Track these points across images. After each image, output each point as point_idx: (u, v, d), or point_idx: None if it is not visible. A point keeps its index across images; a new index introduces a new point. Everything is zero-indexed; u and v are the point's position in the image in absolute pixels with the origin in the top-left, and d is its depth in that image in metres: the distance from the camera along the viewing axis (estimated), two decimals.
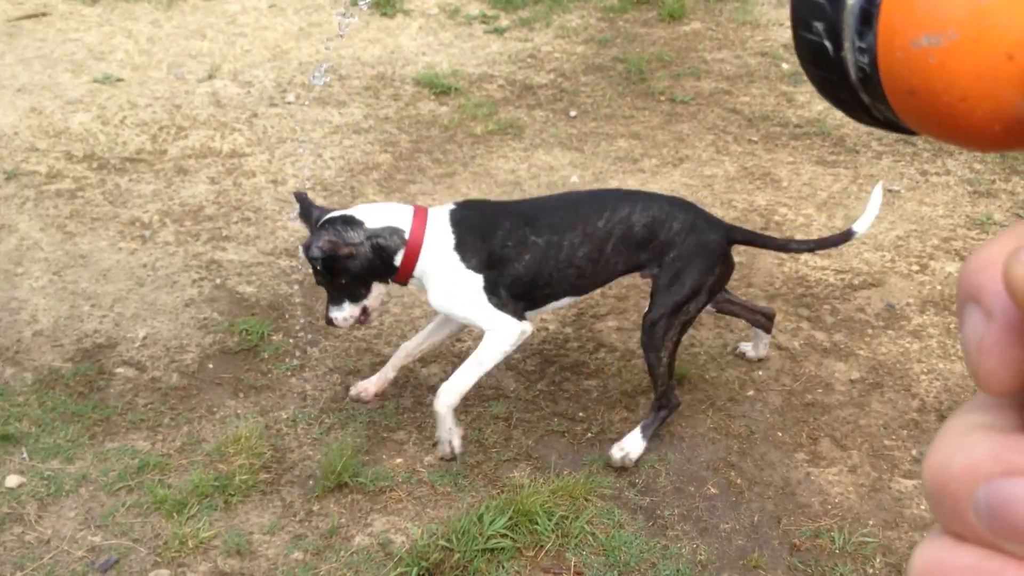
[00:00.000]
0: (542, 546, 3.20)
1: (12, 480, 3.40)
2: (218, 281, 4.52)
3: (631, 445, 3.57)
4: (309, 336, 4.18)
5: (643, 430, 3.59)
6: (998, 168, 5.50)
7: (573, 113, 6.09)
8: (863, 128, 5.91)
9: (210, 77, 6.44)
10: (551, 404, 3.87)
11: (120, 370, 3.96)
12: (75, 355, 4.03)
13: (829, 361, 4.12)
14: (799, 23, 0.49)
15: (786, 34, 6.80)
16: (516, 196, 5.18)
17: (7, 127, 5.73)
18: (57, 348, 4.06)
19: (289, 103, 6.16)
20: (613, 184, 5.33)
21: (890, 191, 5.30)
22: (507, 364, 4.05)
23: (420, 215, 3.37)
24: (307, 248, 3.23)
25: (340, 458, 3.40)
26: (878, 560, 3.23)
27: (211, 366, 4.01)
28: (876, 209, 3.73)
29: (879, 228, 4.98)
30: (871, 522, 3.39)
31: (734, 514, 3.40)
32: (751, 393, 3.94)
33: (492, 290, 3.34)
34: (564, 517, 3.29)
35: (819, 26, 0.48)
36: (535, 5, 7.70)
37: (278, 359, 4.04)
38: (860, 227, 3.72)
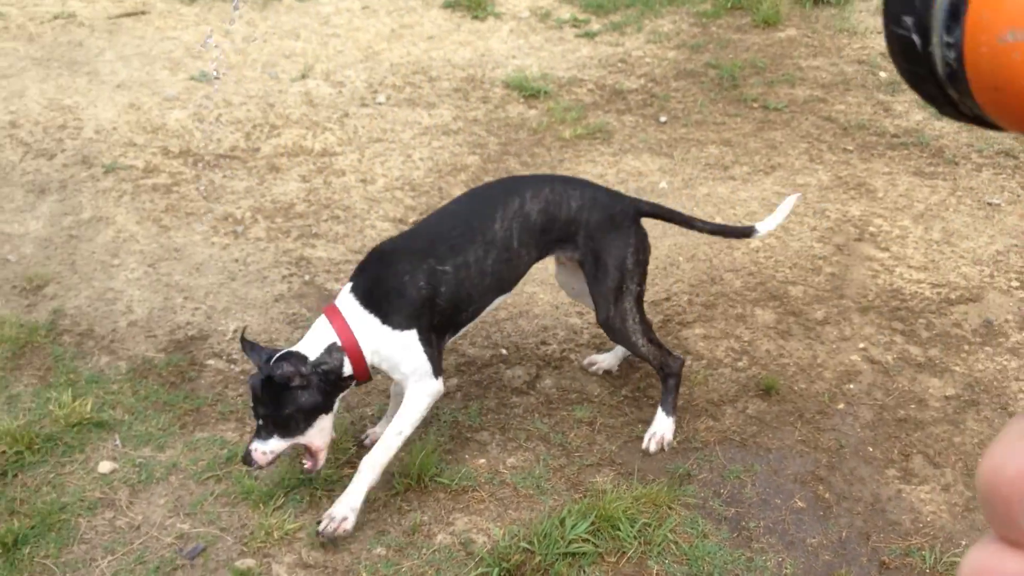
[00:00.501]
0: (624, 552, 3.17)
1: (105, 466, 3.48)
2: (307, 278, 4.57)
3: (661, 427, 3.61)
4: None
5: (664, 407, 3.63)
6: None
7: (663, 119, 6.04)
8: (963, 140, 5.76)
9: (303, 77, 6.54)
10: (636, 410, 3.83)
11: (211, 362, 4.03)
12: (168, 346, 4.11)
13: (923, 376, 4.01)
14: (890, 17, 0.49)
15: (884, 42, 6.67)
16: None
17: (106, 122, 5.88)
18: (151, 338, 4.16)
19: (380, 103, 6.22)
20: (703, 191, 5.27)
21: (990, 204, 5.15)
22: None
23: (334, 315, 3.20)
24: (262, 374, 3.07)
25: (423, 456, 3.41)
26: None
27: None
28: (783, 214, 3.70)
29: (978, 242, 4.84)
30: (964, 542, 3.28)
31: (821, 529, 3.33)
32: (841, 406, 3.85)
33: (426, 339, 3.22)
34: (647, 524, 3.25)
35: (908, 20, 0.48)
36: (627, 9, 7.66)
37: None
38: (763, 227, 3.68)
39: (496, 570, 3.03)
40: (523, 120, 6.03)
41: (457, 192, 5.20)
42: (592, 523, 3.20)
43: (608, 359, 4.00)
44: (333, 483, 3.41)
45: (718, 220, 5.00)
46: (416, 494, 3.40)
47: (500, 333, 4.24)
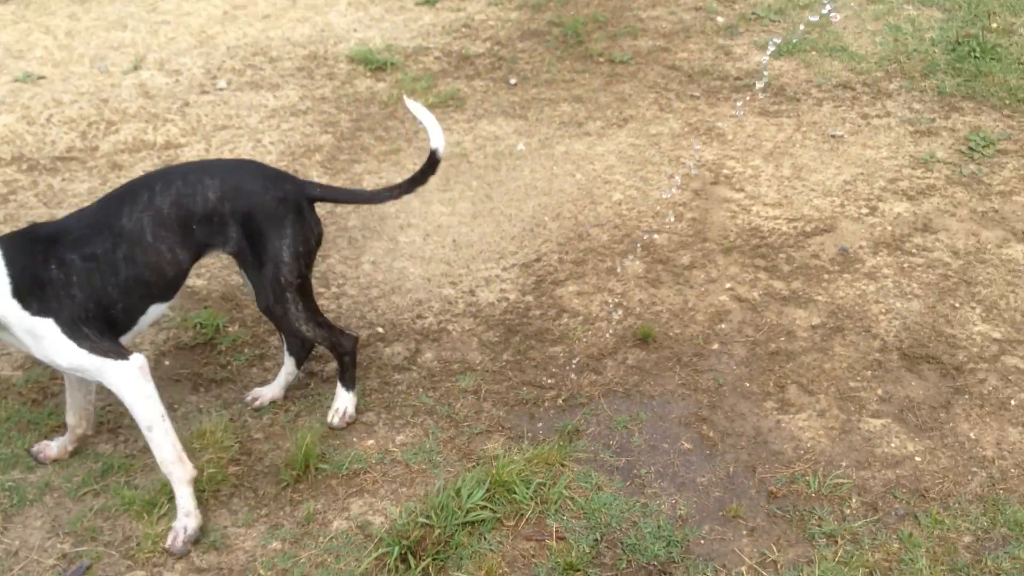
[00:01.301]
0: (522, 515, 3.18)
1: None
2: None
3: (343, 402, 3.60)
4: (265, 325, 4.10)
5: (343, 383, 3.59)
6: (937, 107, 5.55)
7: (513, 81, 6.03)
8: (802, 76, 5.94)
9: (135, 68, 6.26)
10: (519, 373, 3.84)
11: None
12: (24, 362, 3.90)
13: (789, 309, 4.13)
14: None
15: None
16: (463, 168, 5.14)
17: None
18: (5, 356, 3.93)
19: (221, 89, 6.02)
20: (560, 149, 5.30)
21: (833, 137, 5.33)
22: (472, 337, 4.01)
23: None
24: None
25: (307, 445, 3.34)
26: (854, 500, 3.25)
27: (167, 363, 3.91)
28: (428, 120, 3.56)
29: (826, 174, 5.01)
30: (844, 463, 3.41)
31: (709, 467, 3.40)
32: (716, 347, 3.94)
33: (73, 332, 2.96)
34: (542, 484, 3.27)
35: None
36: None
37: (236, 350, 3.96)
38: (437, 144, 3.54)
39: (396, 548, 2.99)
40: (373, 94, 5.93)
41: (315, 174, 5.10)
42: (488, 490, 3.19)
43: (272, 390, 3.72)
44: (218, 483, 3.30)
45: (578, 176, 5.04)
46: (306, 484, 3.33)
47: (374, 312, 4.17)
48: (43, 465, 3.40)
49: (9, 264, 2.91)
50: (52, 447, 3.43)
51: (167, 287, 3.23)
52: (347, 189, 3.57)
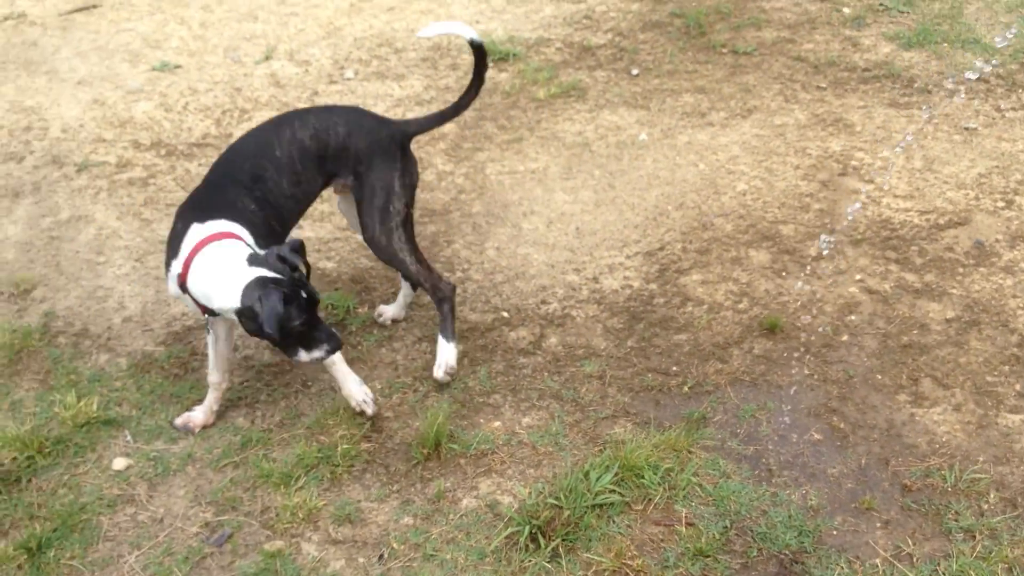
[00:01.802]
0: (650, 499, 3.19)
1: (119, 463, 3.44)
2: (311, 258, 4.52)
3: (444, 354, 3.72)
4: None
5: (443, 334, 3.73)
6: None
7: (635, 71, 6.01)
8: (933, 68, 5.79)
9: (267, 58, 6.44)
10: (643, 360, 3.84)
11: None
12: (166, 338, 4.06)
13: (922, 302, 4.04)
14: None
15: None
16: (585, 157, 5.16)
17: (72, 120, 5.77)
18: (148, 332, 4.10)
19: (348, 79, 6.15)
20: (683, 139, 5.27)
21: (967, 129, 5.19)
22: (596, 323, 4.03)
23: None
24: None
25: (438, 425, 3.40)
26: (992, 495, 3.17)
27: None
28: (449, 27, 3.86)
29: (960, 167, 4.88)
30: (981, 458, 3.33)
31: (840, 458, 3.36)
32: (845, 338, 3.88)
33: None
34: (670, 470, 3.27)
35: None
36: None
37: (366, 331, 4.05)
38: (469, 33, 3.76)
39: (527, 527, 3.03)
40: (495, 84, 5.98)
41: (439, 161, 5.18)
42: (616, 474, 3.21)
43: (394, 309, 4.09)
44: (352, 458, 3.39)
45: (701, 166, 5.01)
46: (436, 463, 3.39)
47: (499, 296, 4.22)
48: (191, 435, 3.53)
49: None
50: (197, 415, 3.57)
51: (301, 214, 3.70)
52: (435, 114, 3.94)
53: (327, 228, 4.74)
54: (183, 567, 3.04)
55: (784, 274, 4.26)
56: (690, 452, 3.37)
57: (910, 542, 3.03)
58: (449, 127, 5.53)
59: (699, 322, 4.02)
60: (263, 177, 3.45)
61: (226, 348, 3.56)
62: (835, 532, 3.08)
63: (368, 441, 3.49)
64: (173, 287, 3.32)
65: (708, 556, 2.99)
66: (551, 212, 4.74)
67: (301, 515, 3.19)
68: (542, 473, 3.33)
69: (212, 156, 5.37)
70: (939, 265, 4.23)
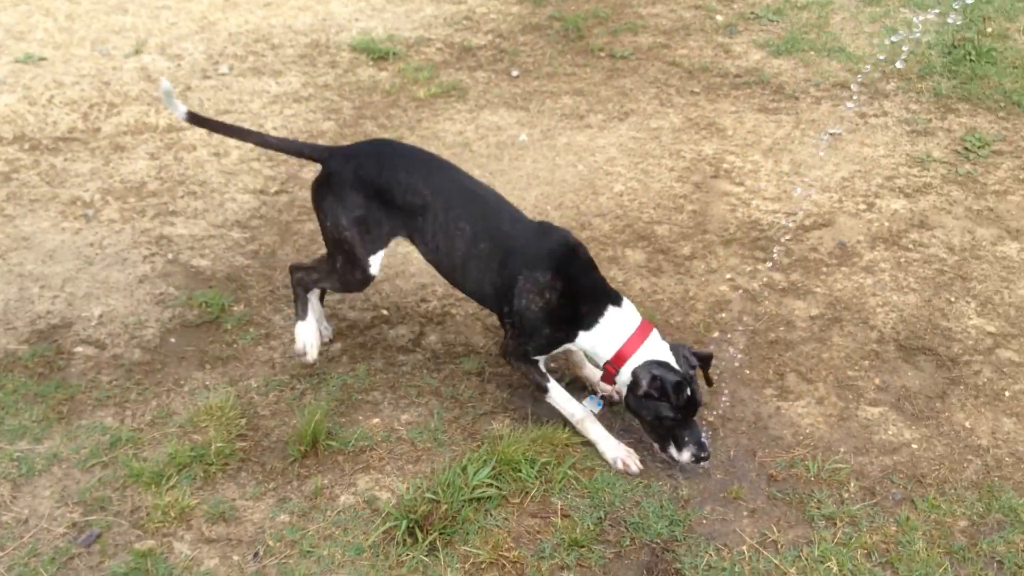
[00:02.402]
0: (527, 492, 3.22)
1: None
2: (170, 256, 4.42)
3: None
4: (271, 305, 4.13)
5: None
6: (933, 108, 5.63)
7: (515, 73, 6.07)
8: (800, 76, 6.01)
9: (137, 52, 6.27)
10: None
11: (79, 349, 3.86)
12: (30, 337, 3.92)
13: (788, 300, 4.19)
14: None
15: None
16: (466, 157, 5.18)
17: None
18: (11, 331, 3.95)
19: (223, 74, 6.04)
20: (562, 141, 5.34)
21: (832, 134, 5.40)
22: (476, 321, 4.06)
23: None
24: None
25: (315, 422, 3.37)
26: (852, 484, 3.31)
27: (173, 340, 3.93)
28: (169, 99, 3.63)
29: (825, 171, 5.07)
30: (842, 449, 3.47)
31: (710, 450, 3.45)
32: (716, 335, 3.99)
33: None
34: (547, 464, 3.31)
35: None
36: None
37: (242, 329, 3.99)
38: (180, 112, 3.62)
39: (404, 522, 3.03)
40: (375, 83, 5.96)
41: None
42: (493, 468, 3.24)
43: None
44: (226, 457, 3.33)
45: (580, 167, 5.09)
46: (313, 460, 3.36)
47: (379, 295, 4.21)
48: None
49: None
50: (621, 448, 3.45)
51: None
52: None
53: (200, 225, 4.64)
54: (50, 568, 2.94)
55: (659, 273, 4.36)
56: (567, 446, 3.42)
57: (775, 529, 3.14)
58: (328, 126, 5.49)
59: None
60: None
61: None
62: (704, 521, 3.17)
63: (243, 439, 3.44)
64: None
65: (583, 546, 3.04)
66: None
67: (173, 514, 3.12)
68: (420, 469, 3.34)
69: (79, 151, 5.21)
70: (804, 265, 4.40)
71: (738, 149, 5.26)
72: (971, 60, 6.02)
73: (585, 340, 3.30)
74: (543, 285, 3.25)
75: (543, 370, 3.44)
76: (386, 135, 5.38)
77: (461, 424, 3.55)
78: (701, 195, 4.88)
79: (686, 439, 3.23)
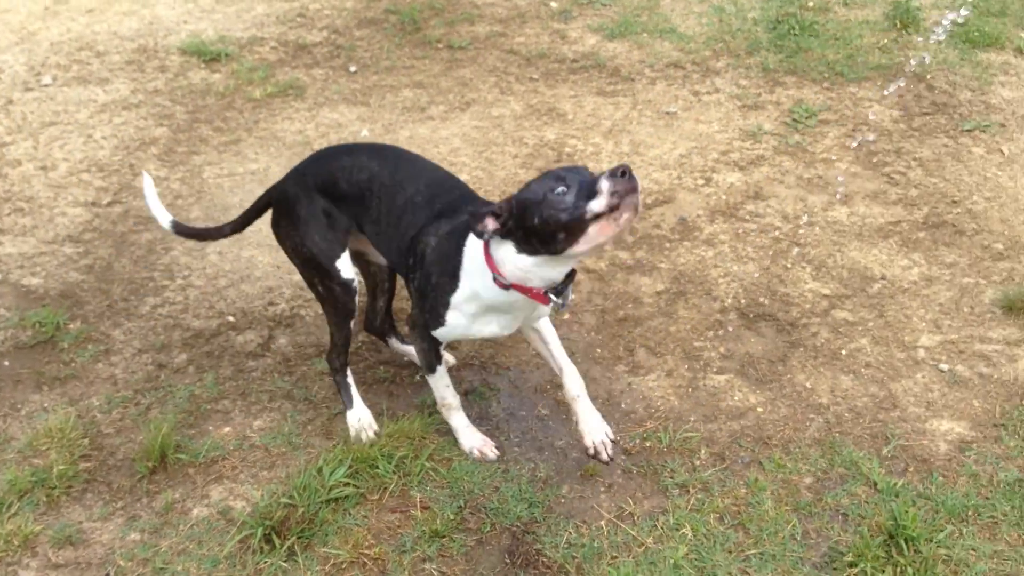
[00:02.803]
0: (386, 488, 3.20)
1: None
2: (0, 276, 4.22)
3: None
4: (109, 320, 3.98)
5: None
6: (762, 82, 5.82)
7: (353, 68, 6.01)
8: (635, 57, 6.13)
9: None
10: (375, 353, 3.85)
11: None
12: None
13: (635, 277, 4.28)
14: None
15: None
16: (306, 155, 5.08)
17: None
18: None
19: (46, 85, 5.79)
20: (405, 134, 5.31)
21: (668, 113, 5.53)
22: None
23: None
24: None
25: (163, 436, 3.27)
26: (703, 451, 3.40)
27: (7, 363, 3.75)
28: (152, 200, 3.55)
29: (663, 149, 5.19)
30: (692, 418, 3.56)
31: (566, 430, 3.49)
32: (567, 316, 4.04)
33: None
34: (404, 457, 3.30)
35: None
36: None
37: (79, 347, 3.83)
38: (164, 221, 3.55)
39: (259, 529, 2.97)
40: (208, 85, 5.81)
41: (152, 167, 4.97)
42: (350, 467, 3.21)
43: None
44: (70, 479, 3.20)
45: None
46: (163, 475, 3.26)
47: (224, 301, 4.11)
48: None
49: None
50: (478, 438, 3.39)
51: None
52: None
53: (30, 243, 4.44)
54: None
55: None
56: (424, 438, 3.40)
57: (631, 502, 3.20)
58: (160, 132, 5.33)
59: None
60: None
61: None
62: (563, 500, 3.21)
63: (87, 460, 3.31)
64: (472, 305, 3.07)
65: (444, 536, 3.04)
66: None
67: (16, 542, 2.98)
68: (275, 474, 3.28)
69: None
70: (649, 242, 4.49)
71: (579, 132, 5.33)
72: (795, 34, 6.25)
73: None
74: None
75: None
76: (223, 138, 5.25)
77: (316, 425, 3.49)
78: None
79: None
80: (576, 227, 2.65)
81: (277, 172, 4.94)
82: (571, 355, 3.79)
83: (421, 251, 3.08)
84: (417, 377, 3.70)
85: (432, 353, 3.24)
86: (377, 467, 3.24)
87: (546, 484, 3.27)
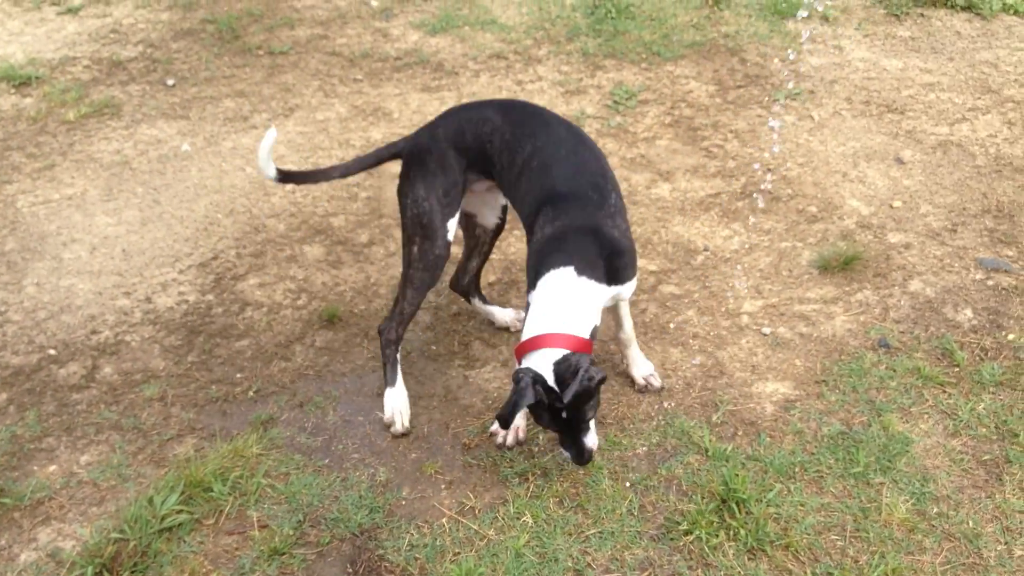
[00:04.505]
0: (221, 511, 3.15)
1: None
2: None
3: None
4: None
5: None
6: (583, 67, 5.92)
7: (171, 82, 5.86)
8: (458, 51, 6.15)
9: None
10: (207, 373, 3.77)
11: None
12: None
13: None
14: None
15: None
16: (126, 176, 4.95)
17: None
18: None
19: None
20: (228, 145, 5.21)
21: None
22: (153, 344, 3.90)
23: None
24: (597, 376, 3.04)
25: None
26: (540, 438, 3.45)
27: None
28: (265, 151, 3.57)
29: None
30: None
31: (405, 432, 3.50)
32: None
33: None
34: (239, 477, 3.24)
35: None
36: None
37: None
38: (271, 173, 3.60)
39: (89, 568, 2.88)
40: (19, 111, 5.58)
41: None
42: (183, 492, 3.14)
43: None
44: None
45: (248, 170, 4.99)
46: None
47: (43, 334, 3.96)
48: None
49: None
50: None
51: None
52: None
53: None
54: None
55: (339, 264, 4.35)
56: (260, 456, 3.36)
57: (472, 496, 3.23)
58: None
59: (259, 325, 4.01)
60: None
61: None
62: (404, 502, 3.21)
63: None
64: None
65: (283, 554, 3.00)
66: (94, 238, 4.51)
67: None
68: (105, 509, 3.18)
69: None
70: None
71: (405, 131, 5.32)
72: (612, 18, 6.38)
73: None
74: None
75: None
76: (36, 164, 5.05)
77: (147, 454, 3.41)
78: (374, 181, 4.91)
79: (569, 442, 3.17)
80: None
81: (96, 194, 4.79)
82: (407, 354, 3.81)
83: (531, 228, 3.27)
84: (251, 393, 3.65)
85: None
86: (212, 490, 3.18)
87: (386, 488, 3.26)
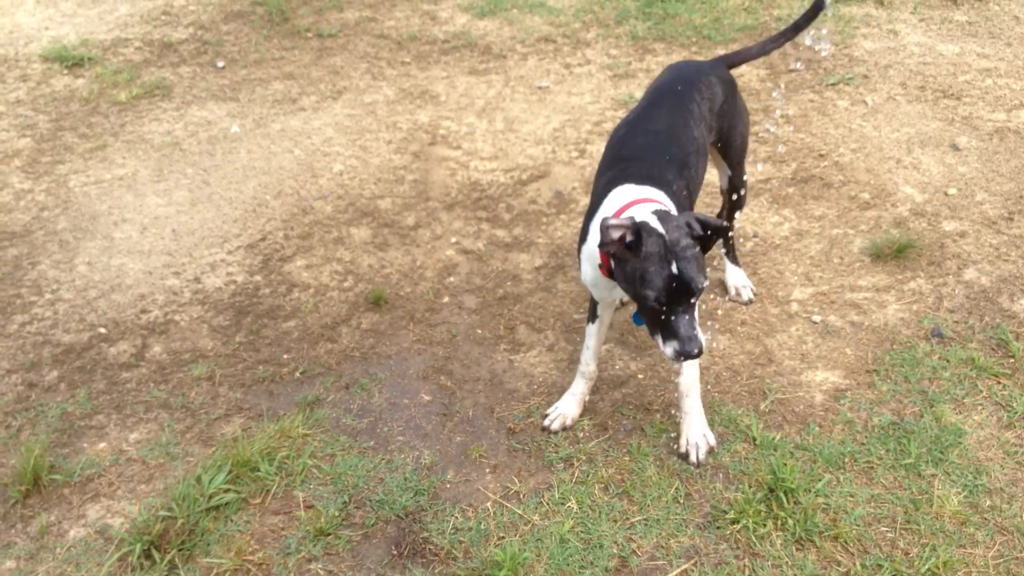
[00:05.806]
0: (268, 491, 3.16)
1: None
2: None
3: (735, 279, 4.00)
4: None
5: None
6: (632, 51, 5.86)
7: (221, 64, 5.89)
8: (506, 34, 6.12)
9: None
10: (254, 353, 3.80)
11: None
12: None
13: (513, 255, 4.28)
14: None
15: None
16: (176, 157, 4.99)
17: None
18: None
19: None
20: (276, 127, 5.23)
21: (540, 88, 5.53)
22: (202, 324, 3.93)
23: None
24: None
25: (35, 458, 3.18)
26: (586, 423, 3.43)
27: None
28: None
29: (536, 124, 5.20)
30: None
31: (450, 415, 3.49)
32: (447, 300, 4.04)
33: None
34: (286, 458, 3.26)
35: None
36: None
37: None
38: None
39: (139, 546, 2.91)
40: (72, 92, 5.64)
41: (15, 180, 4.81)
42: (230, 472, 3.16)
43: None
44: None
45: (297, 152, 5.00)
46: (37, 498, 3.18)
47: (95, 313, 4.01)
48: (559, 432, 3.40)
49: None
50: (571, 407, 3.45)
51: None
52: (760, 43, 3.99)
53: None
54: None
55: (385, 247, 4.36)
56: (306, 436, 3.37)
57: (516, 481, 3.22)
58: (23, 143, 5.16)
59: (306, 306, 4.03)
60: (688, 164, 3.20)
61: (604, 336, 3.47)
62: (448, 485, 3.21)
63: None
64: (589, 269, 3.09)
65: (329, 534, 3.02)
66: (144, 218, 4.55)
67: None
68: (154, 487, 3.21)
69: None
70: (525, 218, 4.51)
71: (452, 113, 5.31)
72: (662, 1, 6.31)
73: None
74: None
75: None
76: (88, 145, 5.11)
77: (195, 433, 3.44)
78: (420, 163, 4.91)
79: (672, 327, 2.70)
80: (643, 309, 2.77)
81: (146, 175, 4.84)
82: (452, 338, 3.81)
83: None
84: (298, 374, 3.67)
85: (591, 303, 3.36)
86: (258, 470, 3.20)
87: (431, 471, 3.26)
